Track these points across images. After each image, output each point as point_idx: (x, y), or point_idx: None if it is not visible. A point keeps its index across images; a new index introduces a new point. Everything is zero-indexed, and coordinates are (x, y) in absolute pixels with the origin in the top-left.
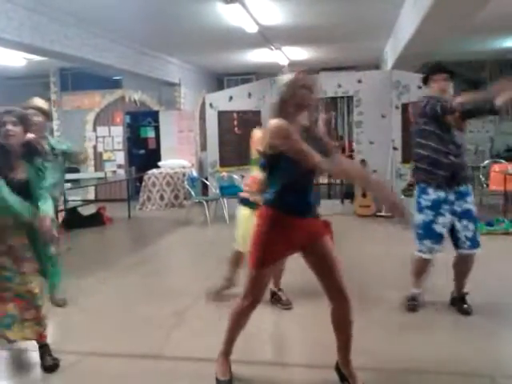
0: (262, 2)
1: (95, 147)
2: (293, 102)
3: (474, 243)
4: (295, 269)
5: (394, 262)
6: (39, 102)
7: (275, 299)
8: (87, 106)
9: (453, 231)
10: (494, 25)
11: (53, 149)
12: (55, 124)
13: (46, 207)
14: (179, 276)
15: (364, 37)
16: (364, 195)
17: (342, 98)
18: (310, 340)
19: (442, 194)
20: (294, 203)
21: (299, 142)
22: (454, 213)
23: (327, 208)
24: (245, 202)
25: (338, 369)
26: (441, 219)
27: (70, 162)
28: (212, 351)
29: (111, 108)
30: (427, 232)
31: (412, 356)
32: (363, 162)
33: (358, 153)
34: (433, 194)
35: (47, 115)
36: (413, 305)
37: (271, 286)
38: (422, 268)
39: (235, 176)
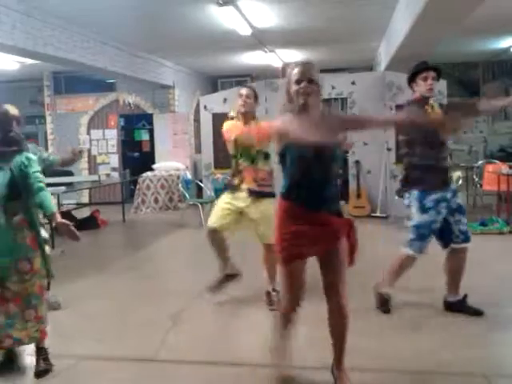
0: (256, 5)
1: (89, 150)
2: (291, 98)
3: (467, 237)
4: None
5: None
6: (15, 110)
7: (266, 298)
8: (81, 109)
9: (444, 227)
10: (487, 26)
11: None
12: (49, 127)
13: (49, 203)
14: (174, 278)
15: (357, 39)
16: (359, 196)
17: (336, 99)
18: (307, 340)
19: (442, 193)
20: (304, 196)
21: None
22: (449, 209)
23: None
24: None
25: (332, 371)
26: (440, 217)
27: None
28: (207, 354)
29: (105, 111)
30: (430, 231)
31: (407, 356)
32: (357, 162)
33: (353, 154)
34: (434, 195)
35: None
36: (388, 309)
37: (267, 284)
38: (408, 267)
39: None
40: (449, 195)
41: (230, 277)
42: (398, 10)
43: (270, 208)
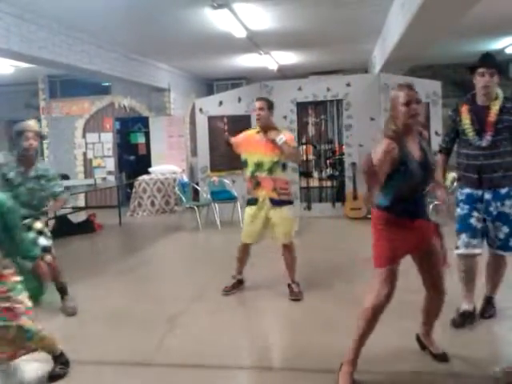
0: (250, 8)
1: (85, 154)
2: (398, 119)
3: (505, 246)
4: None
5: None
6: (35, 125)
7: (288, 290)
8: (76, 112)
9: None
10: (482, 27)
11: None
12: (44, 131)
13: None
14: (171, 282)
15: (352, 41)
16: (355, 198)
17: (332, 101)
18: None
19: (476, 192)
20: (405, 208)
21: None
22: (488, 213)
23: (319, 211)
24: (248, 201)
25: (418, 339)
26: (475, 213)
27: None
28: (205, 357)
29: (100, 114)
30: (463, 225)
31: (408, 357)
32: (354, 164)
33: (348, 156)
34: (467, 190)
35: (42, 138)
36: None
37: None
38: (466, 272)
39: (226, 181)
40: (488, 196)
41: (241, 282)
42: (393, 11)
43: (289, 213)
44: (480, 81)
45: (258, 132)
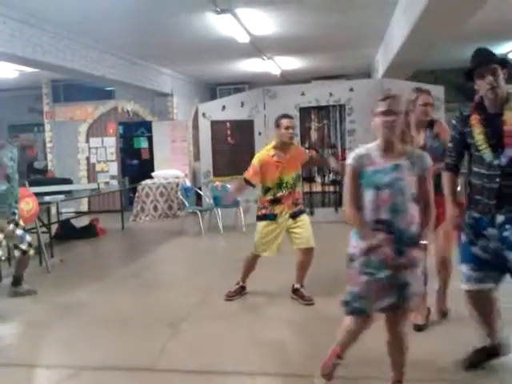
0: (254, 13)
1: (88, 158)
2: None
3: None
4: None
5: None
6: None
7: (297, 295)
8: (80, 117)
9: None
10: (485, 32)
11: None
12: (48, 136)
13: None
14: (174, 287)
15: (355, 46)
16: None
17: (334, 106)
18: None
19: (484, 216)
20: None
21: None
22: (502, 240)
23: (321, 216)
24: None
25: None
26: (481, 242)
27: None
28: (207, 363)
29: (104, 119)
30: (464, 255)
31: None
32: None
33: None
34: (475, 214)
35: None
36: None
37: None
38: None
39: (228, 185)
40: (500, 220)
41: (244, 288)
42: (396, 16)
43: (306, 218)
44: (482, 84)
45: (273, 154)
